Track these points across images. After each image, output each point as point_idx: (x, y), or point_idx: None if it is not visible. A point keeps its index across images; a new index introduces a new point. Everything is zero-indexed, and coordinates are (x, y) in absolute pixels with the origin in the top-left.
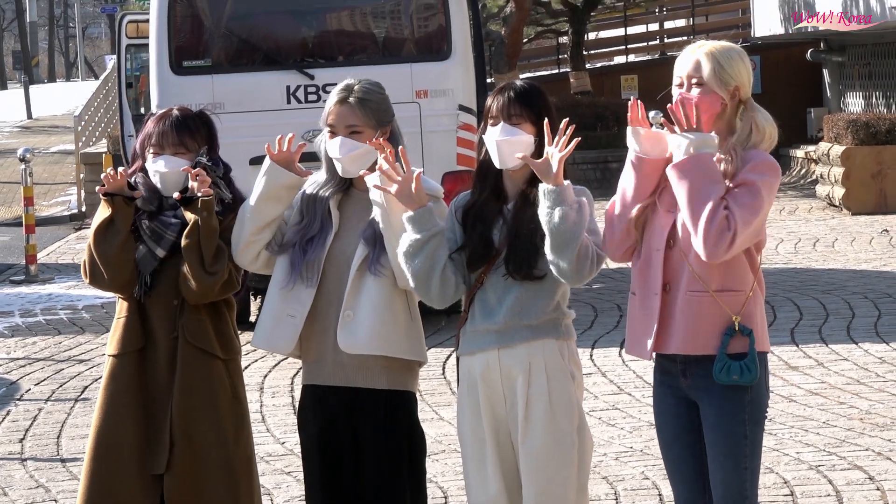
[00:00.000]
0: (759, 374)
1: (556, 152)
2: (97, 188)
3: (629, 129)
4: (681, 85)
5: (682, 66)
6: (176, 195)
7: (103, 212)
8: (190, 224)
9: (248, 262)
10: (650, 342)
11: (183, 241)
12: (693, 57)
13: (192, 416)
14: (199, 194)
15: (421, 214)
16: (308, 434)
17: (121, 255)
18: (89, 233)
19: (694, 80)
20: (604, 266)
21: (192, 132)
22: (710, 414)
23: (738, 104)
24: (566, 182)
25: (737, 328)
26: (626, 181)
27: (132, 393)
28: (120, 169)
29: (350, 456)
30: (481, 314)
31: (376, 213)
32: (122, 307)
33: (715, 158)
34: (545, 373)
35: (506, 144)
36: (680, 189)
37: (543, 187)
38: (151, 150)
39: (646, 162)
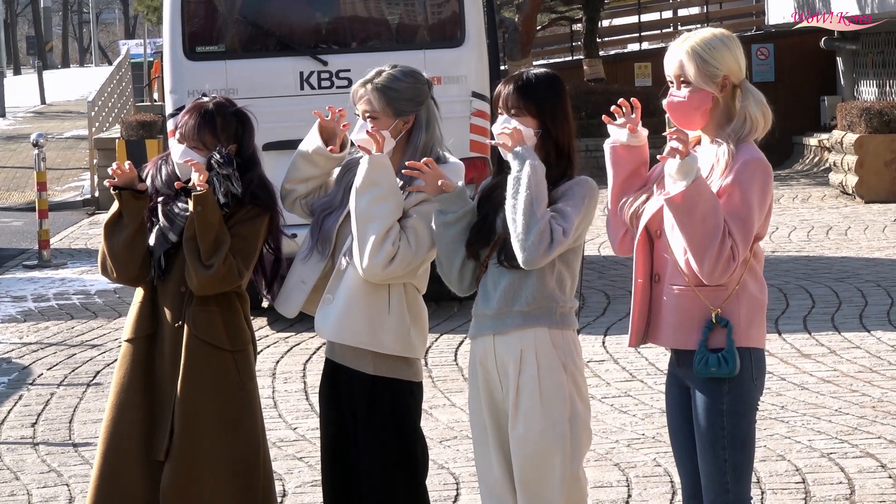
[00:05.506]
0: (736, 366)
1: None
2: (106, 181)
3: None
4: (671, 83)
5: (668, 66)
6: (177, 184)
7: (114, 205)
8: (188, 217)
9: (287, 206)
10: (632, 333)
11: (184, 233)
12: (676, 57)
13: (194, 406)
14: (195, 187)
15: (448, 196)
16: (320, 410)
17: (127, 250)
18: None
19: (682, 80)
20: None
21: (216, 130)
22: (695, 405)
23: (733, 89)
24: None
25: (714, 320)
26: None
27: (140, 378)
28: (127, 163)
29: (352, 435)
30: (481, 299)
31: (361, 168)
32: (138, 291)
33: (704, 155)
34: (536, 361)
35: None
36: (682, 222)
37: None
38: (178, 135)
39: (618, 148)
